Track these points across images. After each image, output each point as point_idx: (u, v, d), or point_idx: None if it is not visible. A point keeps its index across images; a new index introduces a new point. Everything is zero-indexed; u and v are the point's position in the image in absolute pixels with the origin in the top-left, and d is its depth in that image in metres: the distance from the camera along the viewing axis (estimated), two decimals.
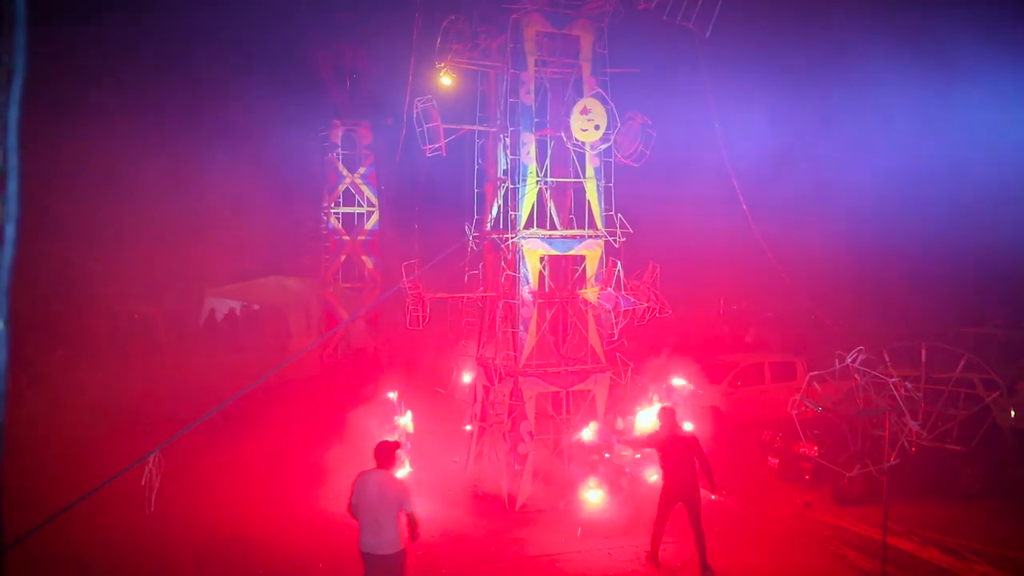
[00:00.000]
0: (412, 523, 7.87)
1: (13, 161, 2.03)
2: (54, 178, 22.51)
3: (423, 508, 12.34)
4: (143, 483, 9.07)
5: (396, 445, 8.57)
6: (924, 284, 27.96)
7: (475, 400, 13.86)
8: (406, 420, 12.97)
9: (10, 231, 2.01)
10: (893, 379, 9.69)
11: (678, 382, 13.61)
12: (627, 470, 12.44)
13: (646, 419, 12.37)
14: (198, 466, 13.37)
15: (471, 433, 13.92)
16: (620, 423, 12.45)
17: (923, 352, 10.73)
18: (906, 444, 9.76)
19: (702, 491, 10.34)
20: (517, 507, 12.25)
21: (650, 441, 10.68)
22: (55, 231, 23.91)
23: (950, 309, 25.60)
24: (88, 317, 25.73)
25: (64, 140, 23.07)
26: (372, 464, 8.11)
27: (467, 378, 14.44)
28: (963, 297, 26.76)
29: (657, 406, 11.68)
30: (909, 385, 9.84)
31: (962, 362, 11.31)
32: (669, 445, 10.24)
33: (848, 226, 28.81)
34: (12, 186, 2.02)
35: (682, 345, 19.17)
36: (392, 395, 13.31)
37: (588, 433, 12.20)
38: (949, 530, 11.76)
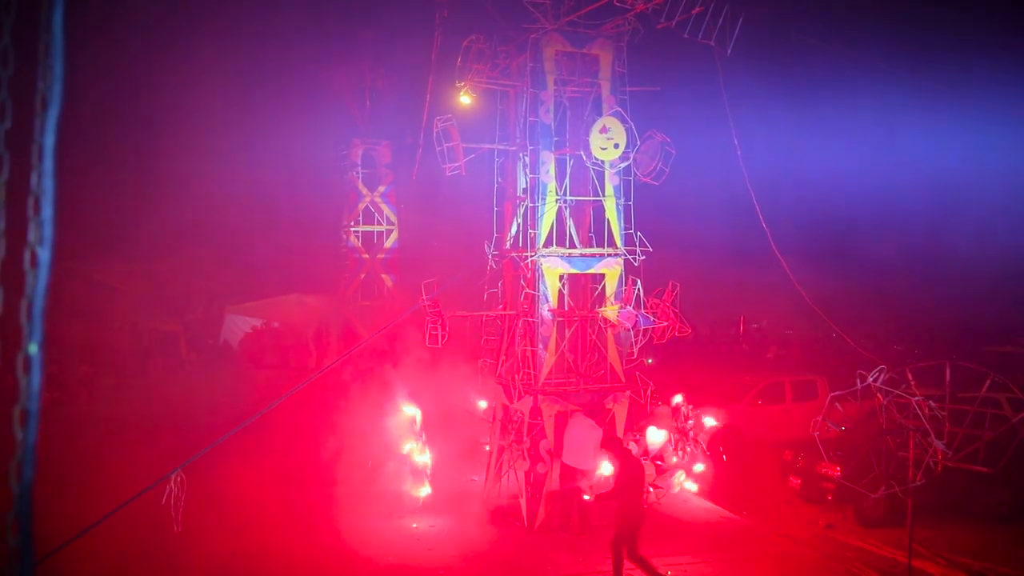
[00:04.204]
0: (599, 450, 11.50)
1: (48, 186, 2.06)
2: (77, 197, 22.81)
3: (441, 526, 12.38)
4: (164, 501, 9.10)
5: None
6: (948, 303, 27.65)
7: (494, 418, 13.83)
8: (418, 446, 13.03)
9: (44, 255, 2.04)
10: (917, 399, 9.57)
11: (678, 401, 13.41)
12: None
13: (656, 436, 12.31)
14: (218, 483, 13.39)
15: (489, 451, 13.88)
16: (634, 448, 12.30)
17: (947, 371, 10.59)
18: (931, 465, 9.62)
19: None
20: (536, 525, 12.19)
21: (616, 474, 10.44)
22: (77, 250, 24.22)
23: (975, 328, 25.27)
24: (111, 335, 25.97)
25: (87, 160, 23.41)
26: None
27: (486, 396, 14.39)
28: (988, 316, 26.41)
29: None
30: (933, 405, 9.71)
31: (988, 382, 11.15)
32: (627, 470, 10.04)
33: (871, 244, 28.60)
34: (47, 211, 2.05)
35: (702, 364, 19.05)
36: (411, 409, 13.35)
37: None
38: (977, 553, 11.54)
